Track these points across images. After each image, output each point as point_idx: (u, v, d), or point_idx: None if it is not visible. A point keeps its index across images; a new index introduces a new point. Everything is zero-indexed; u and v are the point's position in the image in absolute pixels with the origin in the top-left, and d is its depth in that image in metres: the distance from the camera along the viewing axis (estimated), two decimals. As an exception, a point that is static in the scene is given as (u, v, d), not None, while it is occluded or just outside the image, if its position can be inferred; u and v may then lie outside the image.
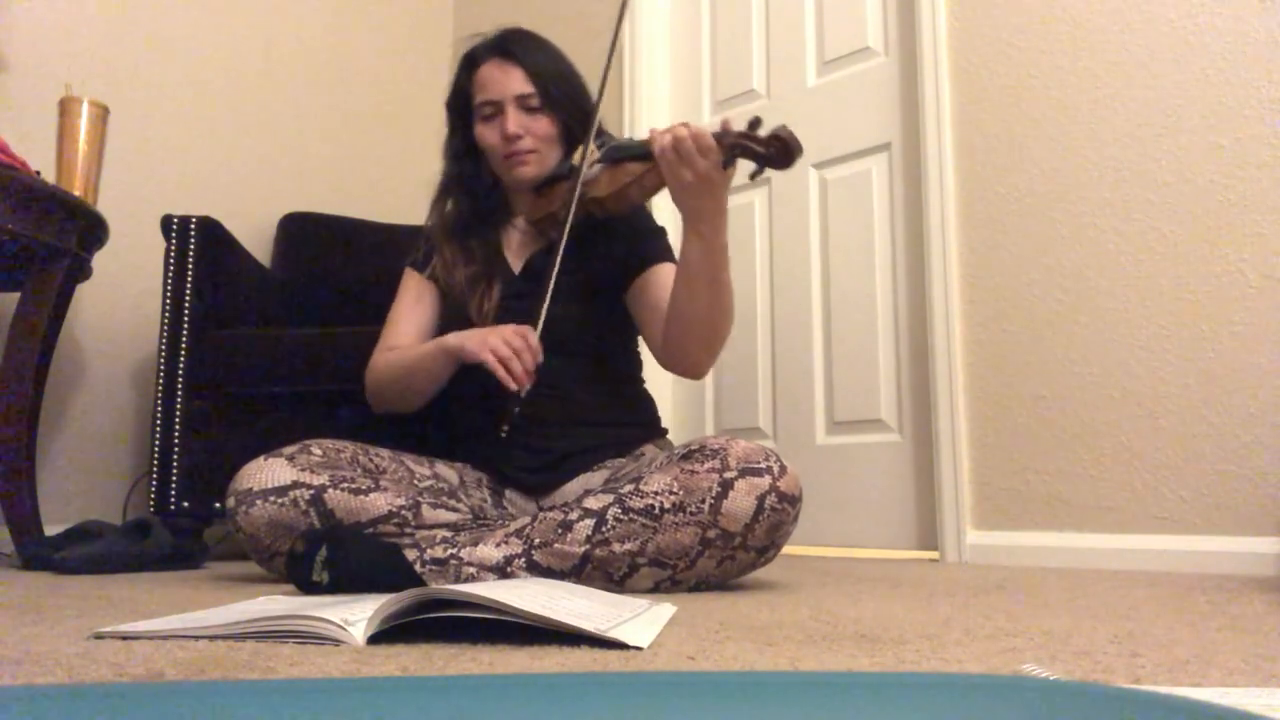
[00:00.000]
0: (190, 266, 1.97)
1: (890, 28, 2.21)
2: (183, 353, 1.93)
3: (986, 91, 1.96)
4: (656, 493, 1.19)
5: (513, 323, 1.40)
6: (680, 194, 1.30)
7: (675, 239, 1.57)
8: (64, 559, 1.57)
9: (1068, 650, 0.75)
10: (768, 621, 0.92)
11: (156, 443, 1.91)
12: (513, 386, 1.33)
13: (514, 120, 1.49)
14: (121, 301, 2.34)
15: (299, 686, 0.41)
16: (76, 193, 1.86)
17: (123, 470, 2.30)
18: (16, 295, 1.89)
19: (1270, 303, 1.60)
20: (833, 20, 2.32)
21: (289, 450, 1.31)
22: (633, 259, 1.51)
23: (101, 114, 1.95)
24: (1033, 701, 0.38)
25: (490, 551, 1.18)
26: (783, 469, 1.22)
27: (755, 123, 1.27)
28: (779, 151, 1.25)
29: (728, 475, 1.20)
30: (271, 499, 1.25)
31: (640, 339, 1.60)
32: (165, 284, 1.96)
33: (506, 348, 1.33)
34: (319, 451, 1.33)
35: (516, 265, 1.56)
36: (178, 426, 1.91)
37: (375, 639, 0.75)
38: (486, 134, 1.53)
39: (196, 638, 0.76)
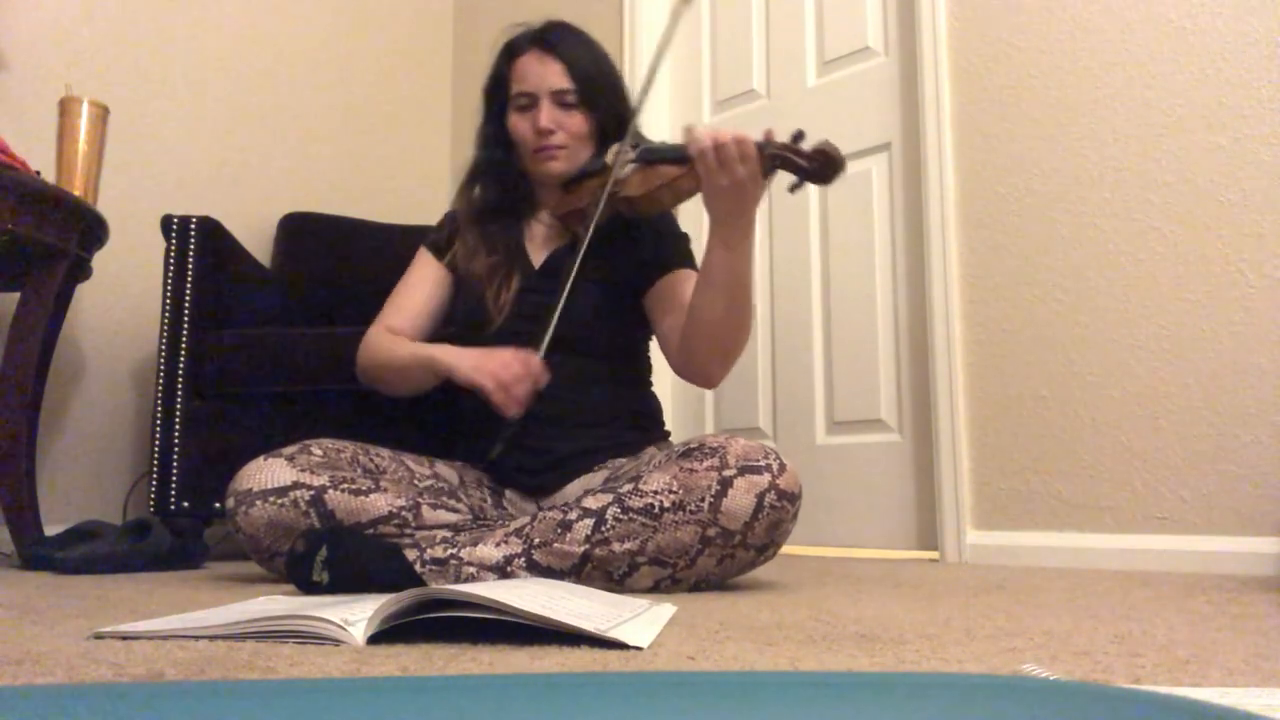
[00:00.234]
0: (190, 266, 1.97)
1: (890, 28, 2.20)
2: (183, 353, 1.93)
3: (986, 91, 1.96)
4: (656, 492, 1.19)
5: (526, 318, 1.39)
6: (714, 199, 1.29)
7: (699, 247, 1.57)
8: (64, 559, 1.57)
9: (1068, 650, 0.75)
10: (768, 621, 0.92)
11: (156, 443, 1.91)
12: (509, 413, 1.33)
13: (547, 115, 1.47)
14: (121, 301, 2.34)
15: (299, 686, 0.41)
16: (76, 193, 1.86)
17: (123, 470, 2.30)
18: (16, 295, 1.89)
19: (1270, 303, 1.60)
20: (833, 20, 2.32)
21: (289, 451, 1.31)
22: (655, 261, 1.50)
23: (101, 114, 1.95)
24: (1033, 701, 0.38)
25: (490, 551, 1.18)
26: (782, 467, 1.22)
27: (799, 135, 1.26)
28: (822, 166, 1.23)
29: (727, 473, 1.20)
30: (271, 500, 1.25)
31: (653, 343, 1.59)
32: (165, 284, 1.96)
33: (507, 373, 1.33)
34: (319, 452, 1.33)
35: (537, 259, 1.55)
36: (178, 426, 1.91)
37: (375, 639, 0.75)
38: (519, 125, 1.51)
39: (196, 638, 0.76)
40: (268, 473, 1.27)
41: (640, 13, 2.60)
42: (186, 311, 1.95)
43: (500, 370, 1.33)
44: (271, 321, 2.15)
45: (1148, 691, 0.39)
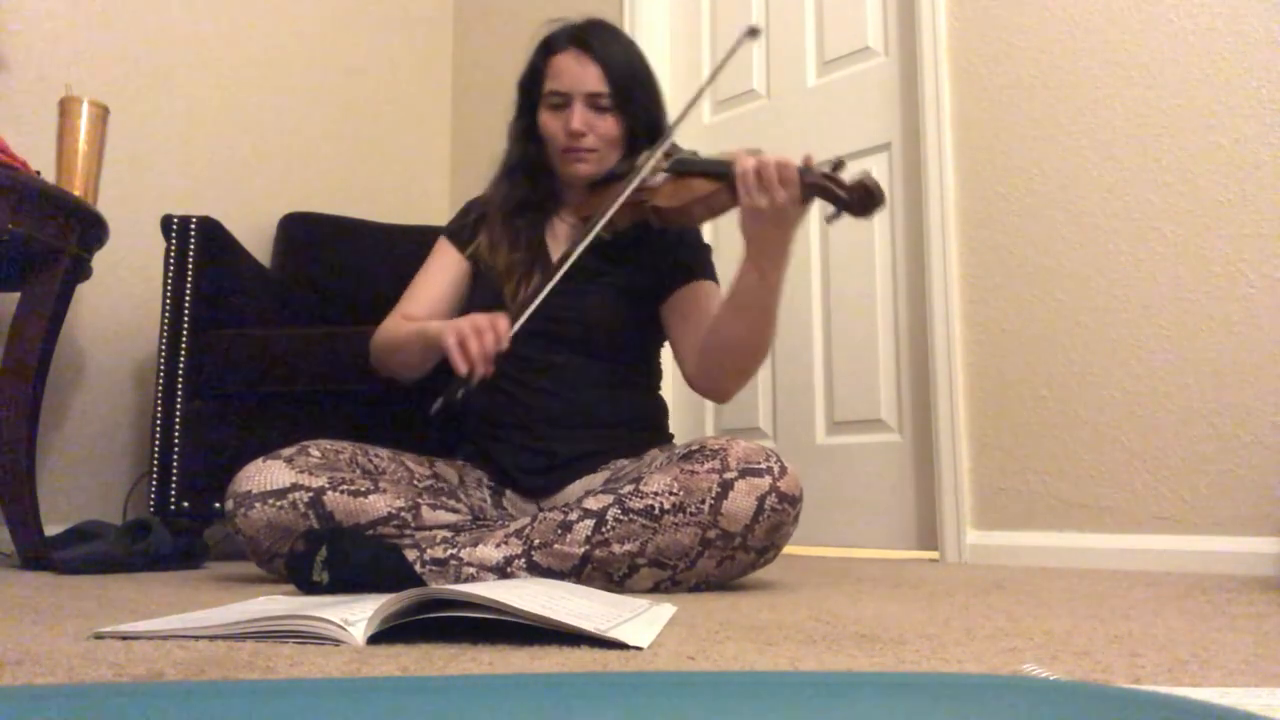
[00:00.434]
0: (190, 266, 1.97)
1: (890, 28, 2.21)
2: (183, 353, 1.93)
3: (986, 91, 1.96)
4: (656, 493, 1.19)
5: (541, 317, 1.38)
6: (750, 222, 1.28)
7: (722, 263, 1.56)
8: (64, 559, 1.57)
9: (1068, 650, 0.75)
10: (768, 621, 0.92)
11: (156, 443, 1.91)
12: (461, 368, 1.25)
13: (579, 117, 1.45)
14: (121, 301, 2.34)
15: (299, 686, 0.41)
16: (76, 193, 1.86)
17: (123, 470, 2.30)
18: (16, 295, 1.89)
19: (1270, 303, 1.60)
20: (833, 20, 2.32)
21: (287, 452, 1.31)
22: (676, 271, 1.50)
23: (101, 114, 1.95)
24: (1033, 701, 0.38)
25: (490, 552, 1.18)
26: (783, 469, 1.22)
27: (839, 164, 1.25)
28: (861, 199, 1.22)
29: (728, 476, 1.20)
30: (270, 501, 1.25)
31: (663, 352, 1.59)
32: (165, 284, 1.96)
33: (470, 326, 1.27)
34: (317, 453, 1.33)
35: (557, 257, 1.54)
36: (178, 426, 1.91)
37: (375, 639, 0.75)
38: (550, 123, 1.49)
39: (196, 638, 0.76)
40: (266, 474, 1.27)
41: (640, 12, 2.60)
42: (186, 311, 1.95)
43: (465, 325, 1.28)
44: (271, 321, 2.15)
45: (1148, 691, 0.39)
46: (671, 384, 1.65)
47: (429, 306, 1.55)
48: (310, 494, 1.25)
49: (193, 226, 1.99)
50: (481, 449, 1.50)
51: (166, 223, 1.99)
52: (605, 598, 0.95)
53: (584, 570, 1.19)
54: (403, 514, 1.27)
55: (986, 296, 1.93)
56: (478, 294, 1.55)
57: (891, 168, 2.17)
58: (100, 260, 2.05)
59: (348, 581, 1.06)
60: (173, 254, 1.97)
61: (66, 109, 1.91)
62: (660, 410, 1.58)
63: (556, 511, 1.22)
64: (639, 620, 0.84)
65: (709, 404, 2.45)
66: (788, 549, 1.43)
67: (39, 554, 1.65)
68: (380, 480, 1.31)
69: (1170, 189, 1.71)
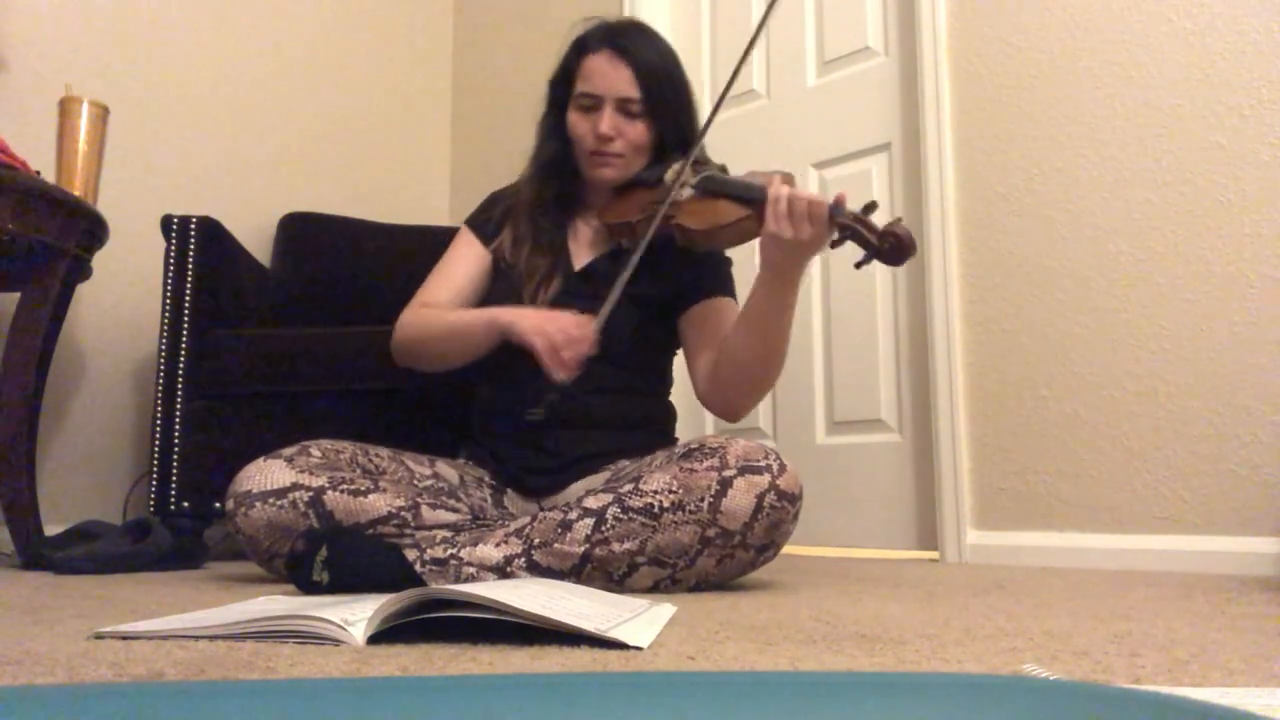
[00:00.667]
0: (190, 266, 1.97)
1: (890, 28, 2.20)
2: (183, 353, 1.93)
3: (986, 91, 1.96)
4: (656, 492, 1.19)
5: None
6: (771, 249, 1.28)
7: (736, 272, 1.56)
8: (64, 559, 1.57)
9: (1068, 650, 0.75)
10: (768, 621, 0.92)
11: (156, 443, 1.91)
12: (558, 377, 1.30)
13: (609, 121, 1.43)
14: (121, 301, 2.34)
15: (299, 686, 0.41)
16: (76, 193, 1.86)
17: (123, 470, 2.30)
18: (16, 295, 1.89)
19: (1270, 303, 1.60)
20: (833, 20, 2.32)
21: (288, 452, 1.31)
22: (696, 286, 1.49)
23: (101, 114, 1.95)
24: (1033, 701, 0.38)
25: (490, 551, 1.18)
26: (782, 467, 1.22)
27: (871, 206, 1.24)
28: (892, 248, 1.20)
29: (727, 474, 1.20)
30: (270, 501, 1.25)
31: (674, 363, 1.59)
32: (165, 284, 1.96)
33: (561, 335, 1.30)
34: (318, 453, 1.33)
35: (579, 261, 1.52)
36: (178, 426, 1.91)
37: (375, 639, 0.75)
38: (578, 124, 1.46)
39: (196, 638, 0.76)
40: (266, 474, 1.27)
41: (640, 13, 2.60)
42: (186, 311, 1.95)
43: (556, 332, 1.30)
44: (271, 321, 2.15)
45: (1148, 691, 0.39)
46: (677, 386, 1.65)
47: (452, 296, 1.53)
48: (310, 493, 1.25)
49: (193, 226, 1.99)
50: (488, 447, 1.50)
51: (166, 223, 1.99)
52: (605, 598, 0.95)
53: (584, 569, 1.19)
54: (403, 513, 1.27)
55: (986, 296, 1.93)
56: (496, 289, 1.53)
57: (891, 168, 2.17)
58: (100, 260, 2.05)
59: (348, 581, 1.06)
60: (173, 254, 1.97)
61: (66, 109, 1.91)
62: (668, 415, 1.58)
63: (556, 511, 1.22)
64: (639, 620, 0.84)
65: (709, 404, 2.44)
66: (788, 548, 1.43)
67: (39, 554, 1.65)
68: (380, 480, 1.31)
69: (1170, 189, 1.71)
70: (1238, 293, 1.63)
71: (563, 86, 1.50)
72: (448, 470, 1.47)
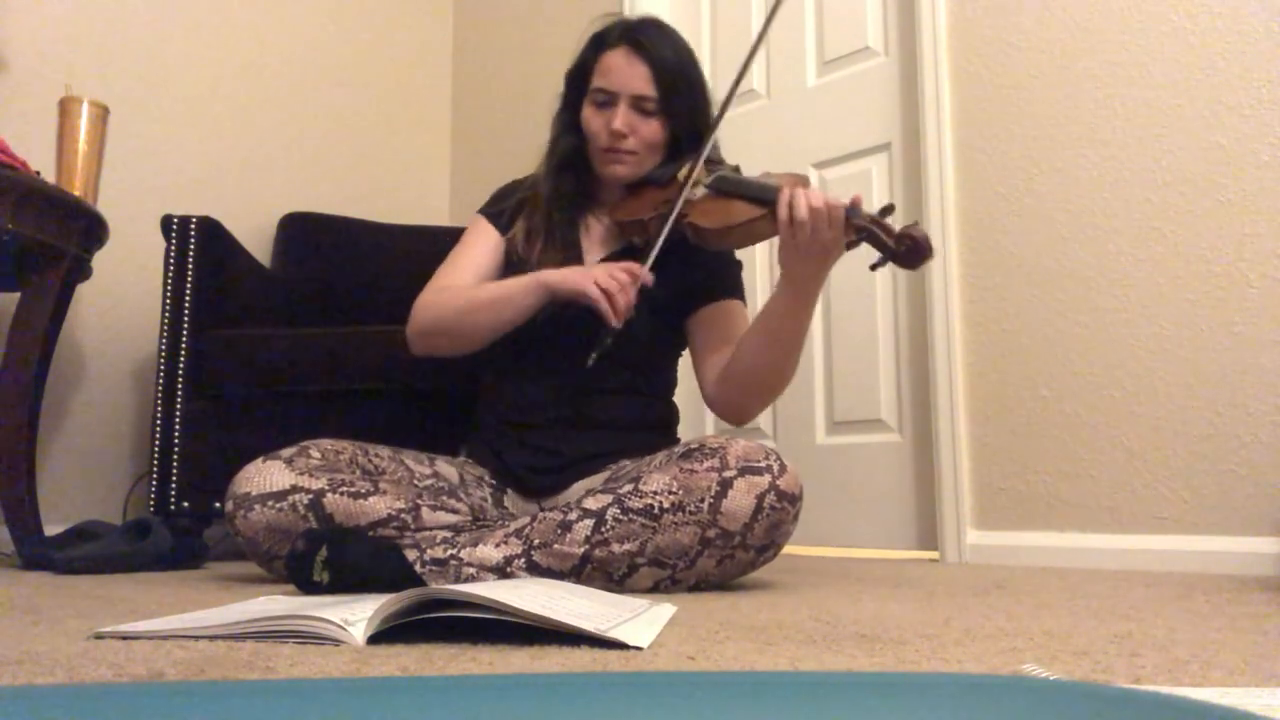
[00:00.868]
0: (190, 266, 1.97)
1: (890, 28, 2.20)
2: (183, 353, 1.93)
3: (986, 91, 1.96)
4: (655, 492, 1.19)
5: (567, 318, 1.37)
6: (788, 254, 1.27)
7: (750, 282, 1.55)
8: (64, 559, 1.57)
9: (1068, 650, 0.75)
10: (768, 621, 0.92)
11: (156, 443, 1.91)
12: (613, 321, 1.29)
13: (623, 118, 1.42)
14: (121, 301, 2.34)
15: (299, 686, 0.41)
16: (76, 193, 1.86)
17: (123, 470, 2.30)
18: (16, 295, 1.89)
19: (1270, 303, 1.60)
20: (833, 20, 2.32)
21: (287, 453, 1.31)
22: (706, 288, 1.48)
23: (101, 114, 1.95)
24: (1033, 701, 0.38)
25: (490, 552, 1.18)
26: (782, 468, 1.22)
27: (888, 209, 1.23)
28: (908, 251, 1.20)
29: (727, 474, 1.20)
30: (270, 504, 1.24)
31: (678, 363, 1.58)
32: (165, 284, 1.96)
33: (613, 281, 1.30)
34: (317, 454, 1.33)
35: (590, 258, 1.51)
36: (178, 426, 1.91)
37: (375, 639, 0.75)
38: (592, 119, 1.45)
39: (196, 638, 0.76)
40: (266, 476, 1.26)
41: (639, 11, 2.60)
42: (186, 311, 1.95)
43: (605, 279, 1.30)
44: (271, 321, 2.15)
45: (1148, 691, 0.39)
46: (678, 386, 1.65)
47: (475, 278, 1.51)
48: (310, 496, 1.25)
49: (193, 226, 1.99)
50: (489, 445, 1.50)
51: (166, 223, 1.99)
52: (605, 598, 0.95)
53: (584, 570, 1.19)
54: (402, 515, 1.27)
55: (986, 296, 1.93)
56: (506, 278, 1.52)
57: (891, 168, 2.17)
58: (100, 260, 2.05)
59: (348, 581, 1.06)
60: (173, 254, 1.97)
61: (66, 109, 1.91)
62: (671, 416, 1.57)
63: (556, 511, 1.22)
64: (639, 620, 0.84)
65: (709, 404, 2.45)
66: (788, 548, 1.43)
67: (39, 554, 1.65)
68: (380, 481, 1.31)
69: (1170, 189, 1.71)
70: (1238, 293, 1.63)
71: (579, 81, 1.49)
72: (447, 469, 1.47)
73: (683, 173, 1.40)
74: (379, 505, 1.26)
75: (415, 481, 1.39)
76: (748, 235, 1.34)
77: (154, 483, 1.90)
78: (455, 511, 1.33)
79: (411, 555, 1.16)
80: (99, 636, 0.77)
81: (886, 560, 1.95)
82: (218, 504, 1.87)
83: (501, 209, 1.58)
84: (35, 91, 2.18)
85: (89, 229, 1.87)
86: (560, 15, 2.82)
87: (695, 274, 1.48)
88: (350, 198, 2.80)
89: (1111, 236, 1.77)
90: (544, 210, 1.52)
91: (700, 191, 1.38)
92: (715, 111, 1.50)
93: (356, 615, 0.76)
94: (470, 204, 1.70)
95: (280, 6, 2.75)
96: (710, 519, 1.18)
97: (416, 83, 3.10)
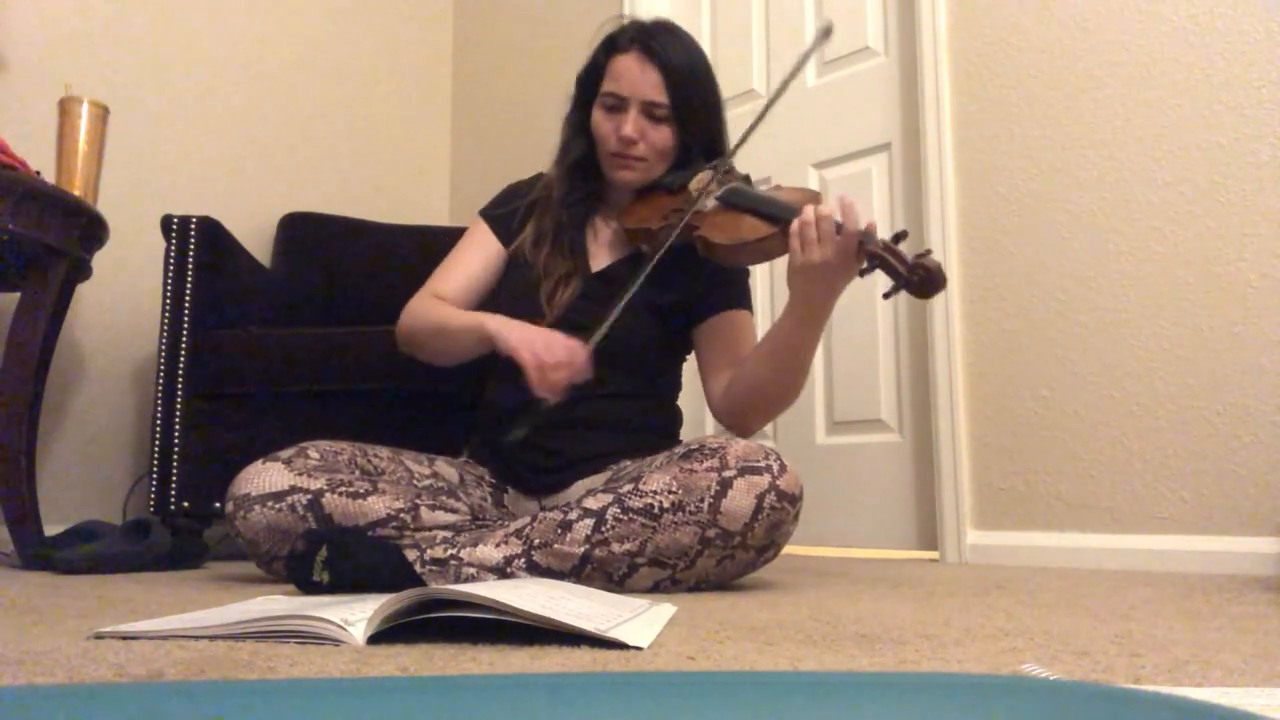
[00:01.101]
0: (190, 266, 1.97)
1: (890, 28, 2.21)
2: (183, 353, 1.93)
3: (986, 91, 1.96)
4: (655, 492, 1.19)
5: (574, 324, 1.36)
6: (798, 275, 1.26)
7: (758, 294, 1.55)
8: (64, 559, 1.57)
9: (1068, 650, 0.75)
10: (768, 621, 0.92)
11: (156, 443, 1.91)
12: (539, 395, 1.28)
13: (633, 124, 1.40)
14: (121, 301, 2.34)
15: (299, 686, 0.41)
16: (76, 193, 1.86)
17: (123, 470, 2.30)
18: (16, 295, 1.89)
19: (1270, 303, 1.60)
20: (833, 20, 2.31)
21: (286, 454, 1.31)
22: (713, 299, 1.48)
23: (101, 114, 1.95)
24: (1033, 701, 0.38)
25: (490, 552, 1.18)
26: (782, 467, 1.22)
27: (901, 235, 1.21)
28: (922, 281, 1.18)
29: (727, 474, 1.19)
30: (269, 504, 1.24)
31: (683, 367, 1.58)
32: (165, 284, 1.96)
33: (551, 356, 1.27)
34: (316, 455, 1.33)
35: (597, 263, 1.51)
36: (178, 426, 1.91)
37: (375, 639, 0.75)
38: (602, 123, 1.44)
39: (196, 638, 0.76)
40: (265, 477, 1.26)
41: (640, 12, 2.60)
42: (186, 311, 1.95)
43: (544, 351, 1.27)
44: (271, 321, 2.15)
45: (1148, 691, 0.39)
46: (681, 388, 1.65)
47: (462, 287, 1.52)
48: (309, 496, 1.25)
49: (193, 226, 1.99)
50: (490, 444, 1.50)
51: (166, 223, 1.99)
52: (605, 598, 0.95)
53: (584, 570, 1.19)
54: (402, 515, 1.27)
55: (986, 296, 1.93)
56: (510, 283, 1.52)
57: (891, 168, 2.17)
58: (100, 260, 2.05)
59: (348, 581, 1.06)
60: (173, 254, 1.97)
61: (66, 109, 1.91)
62: (674, 419, 1.57)
63: (556, 511, 1.22)
64: (639, 620, 0.84)
65: (709, 404, 2.45)
66: (788, 549, 1.43)
67: (39, 554, 1.65)
68: (379, 481, 1.31)
69: (1170, 189, 1.71)
70: (1238, 293, 1.63)
71: (590, 83, 1.48)
72: (447, 469, 1.47)
73: (694, 183, 1.39)
74: (378, 505, 1.26)
75: (414, 481, 1.39)
76: (758, 253, 1.32)
77: (154, 483, 1.90)
78: (455, 511, 1.33)
79: (411, 555, 1.16)
80: (99, 636, 0.77)
81: (886, 560, 1.95)
82: (218, 504, 1.87)
83: (505, 211, 1.57)
84: (35, 91, 2.18)
85: (89, 229, 1.87)
86: (560, 16, 2.82)
87: (701, 284, 1.47)
88: (350, 198, 2.80)
89: (1111, 236, 1.77)
90: (554, 214, 1.51)
91: (711, 203, 1.36)
92: (726, 114, 1.49)
93: (356, 615, 0.76)
94: (470, 204, 1.70)
95: (280, 7, 2.75)
96: (710, 519, 1.18)
97: (416, 83, 3.10)
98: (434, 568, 1.17)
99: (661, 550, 1.19)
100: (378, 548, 1.13)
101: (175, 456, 1.90)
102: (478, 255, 1.55)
